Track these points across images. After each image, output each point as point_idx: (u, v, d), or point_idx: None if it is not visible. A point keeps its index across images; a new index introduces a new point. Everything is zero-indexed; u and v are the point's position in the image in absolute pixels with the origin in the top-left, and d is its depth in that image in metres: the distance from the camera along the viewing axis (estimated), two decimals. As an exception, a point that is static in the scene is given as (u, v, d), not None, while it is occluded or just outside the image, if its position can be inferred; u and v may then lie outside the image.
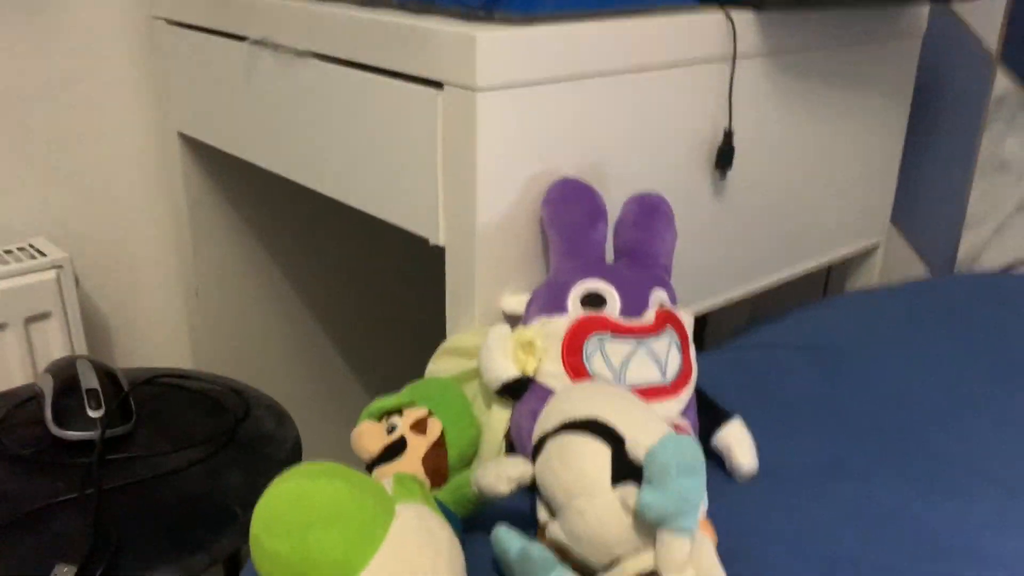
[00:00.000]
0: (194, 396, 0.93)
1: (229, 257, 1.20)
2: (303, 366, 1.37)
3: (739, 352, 0.90)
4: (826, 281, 1.31)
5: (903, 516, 0.63)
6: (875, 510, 0.64)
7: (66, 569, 0.67)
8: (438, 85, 0.69)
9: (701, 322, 1.45)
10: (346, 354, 1.44)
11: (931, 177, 1.17)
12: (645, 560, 0.50)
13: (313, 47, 0.81)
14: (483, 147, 0.68)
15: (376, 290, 1.45)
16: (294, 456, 0.86)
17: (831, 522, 0.62)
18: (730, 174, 0.89)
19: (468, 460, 0.66)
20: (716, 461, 0.68)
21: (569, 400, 0.55)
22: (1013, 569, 0.58)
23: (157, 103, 1.11)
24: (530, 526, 0.60)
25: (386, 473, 0.62)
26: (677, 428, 0.61)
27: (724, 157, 0.86)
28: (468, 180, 0.69)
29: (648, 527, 0.49)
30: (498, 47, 0.66)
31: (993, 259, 1.15)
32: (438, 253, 0.75)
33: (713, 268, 0.93)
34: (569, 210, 0.71)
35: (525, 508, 0.64)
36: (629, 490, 0.50)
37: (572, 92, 0.72)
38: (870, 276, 1.21)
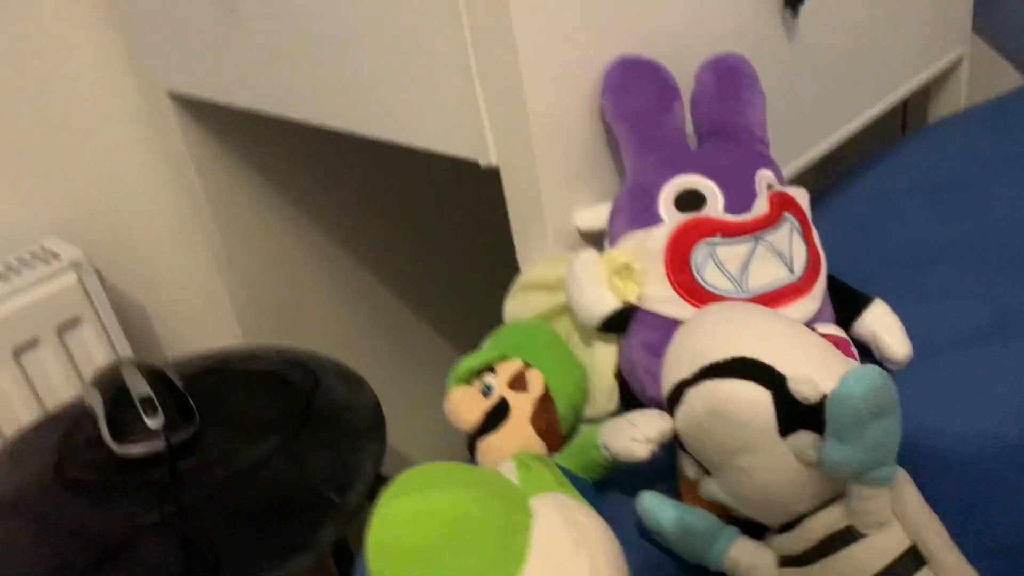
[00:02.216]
0: (254, 377, 0.85)
1: (254, 218, 1.09)
2: (360, 320, 1.27)
3: (840, 210, 0.78)
4: (903, 118, 1.17)
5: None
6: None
7: (165, 602, 0.62)
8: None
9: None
10: (406, 302, 1.31)
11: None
12: (834, 516, 0.41)
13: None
14: (524, 40, 0.56)
15: (426, 222, 1.30)
16: (377, 422, 0.78)
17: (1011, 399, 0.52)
18: (802, 10, 0.76)
19: (579, 408, 0.58)
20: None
21: (699, 335, 0.45)
22: None
23: (139, 64, 0.99)
24: (667, 474, 0.52)
25: (494, 445, 0.53)
26: (831, 340, 0.51)
27: (795, -9, 0.73)
28: (512, 85, 0.58)
29: (835, 478, 0.40)
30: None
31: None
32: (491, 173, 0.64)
33: (792, 124, 0.80)
34: (635, 95, 0.60)
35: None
36: (804, 439, 0.40)
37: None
38: (957, 98, 1.07)
